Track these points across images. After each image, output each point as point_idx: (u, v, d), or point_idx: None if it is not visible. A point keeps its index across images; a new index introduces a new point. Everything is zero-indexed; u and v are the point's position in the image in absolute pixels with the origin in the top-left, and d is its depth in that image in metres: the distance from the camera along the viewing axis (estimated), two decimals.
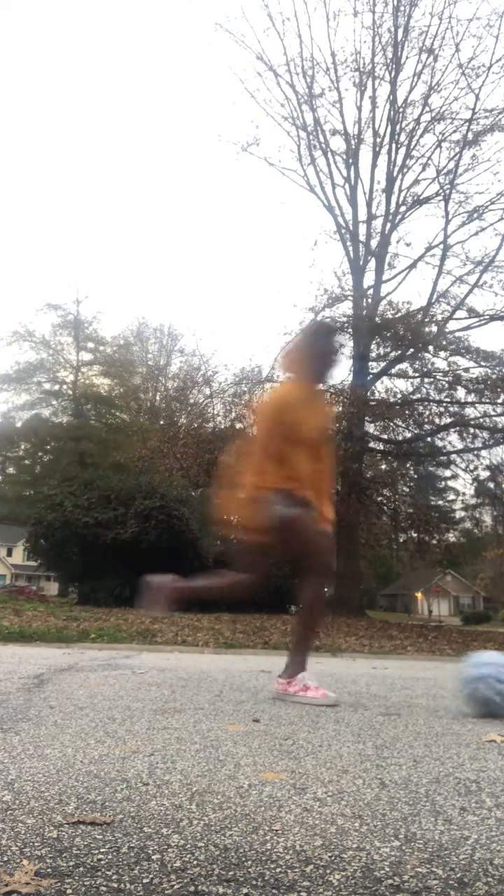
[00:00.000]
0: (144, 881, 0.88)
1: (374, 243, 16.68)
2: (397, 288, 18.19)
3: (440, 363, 15.53)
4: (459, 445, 16.05)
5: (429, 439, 16.24)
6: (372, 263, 16.79)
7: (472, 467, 16.54)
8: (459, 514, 26.29)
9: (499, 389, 13.92)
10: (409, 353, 15.31)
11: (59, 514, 15.33)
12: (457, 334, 15.34)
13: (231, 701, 2.48)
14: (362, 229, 16.88)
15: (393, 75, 16.03)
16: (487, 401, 14.59)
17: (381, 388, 16.57)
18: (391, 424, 15.97)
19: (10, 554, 49.88)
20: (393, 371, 16.07)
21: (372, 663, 5.37)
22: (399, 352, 15.44)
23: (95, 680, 3.00)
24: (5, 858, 0.94)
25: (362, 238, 16.81)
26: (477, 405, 15.05)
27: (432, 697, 2.95)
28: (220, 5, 40.81)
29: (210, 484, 15.17)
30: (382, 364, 16.06)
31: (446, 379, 15.36)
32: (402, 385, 16.38)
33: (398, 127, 16.20)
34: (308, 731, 1.98)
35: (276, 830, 1.09)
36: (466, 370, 14.99)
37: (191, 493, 16.82)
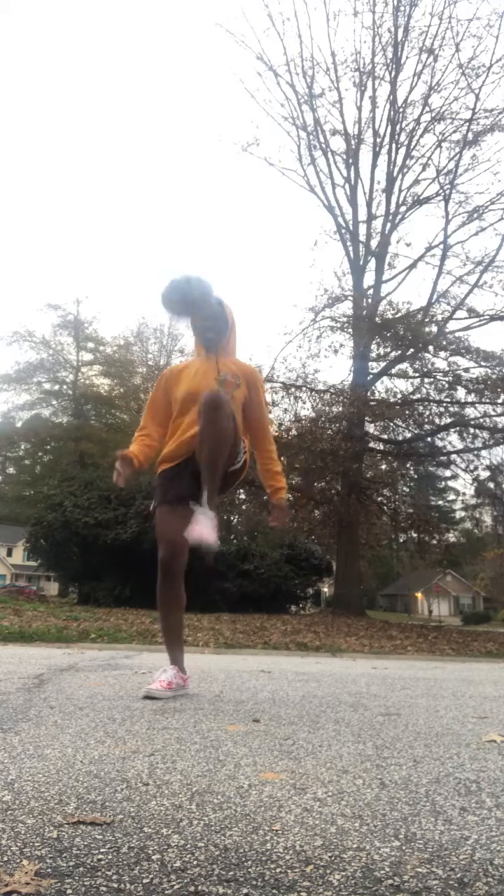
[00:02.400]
0: (144, 881, 0.88)
1: (374, 243, 16.68)
2: (397, 288, 18.22)
3: (440, 363, 15.53)
4: (459, 445, 16.05)
5: (429, 439, 16.22)
6: (372, 263, 16.80)
7: (472, 467, 16.54)
8: (459, 514, 26.31)
9: (499, 389, 13.91)
10: (409, 353, 15.30)
11: (59, 514, 15.34)
12: (457, 334, 15.33)
13: (231, 701, 2.48)
14: (362, 229, 16.89)
15: (393, 75, 16.04)
16: (487, 401, 14.58)
17: (381, 388, 16.58)
18: (391, 424, 15.96)
19: (10, 554, 49.90)
20: (393, 371, 16.07)
21: (372, 663, 5.37)
22: (399, 352, 15.43)
23: (95, 680, 3.00)
24: (5, 858, 0.94)
25: (362, 238, 16.81)
26: (477, 405, 15.03)
27: (432, 697, 2.95)
28: (221, 5, 40.89)
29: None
30: (382, 364, 16.06)
31: (446, 379, 15.36)
32: (402, 385, 16.39)
33: (398, 127, 16.21)
34: (308, 731, 1.98)
35: (276, 830, 1.09)
36: (466, 370, 14.99)
37: None
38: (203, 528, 2.39)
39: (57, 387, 36.40)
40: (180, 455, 2.64)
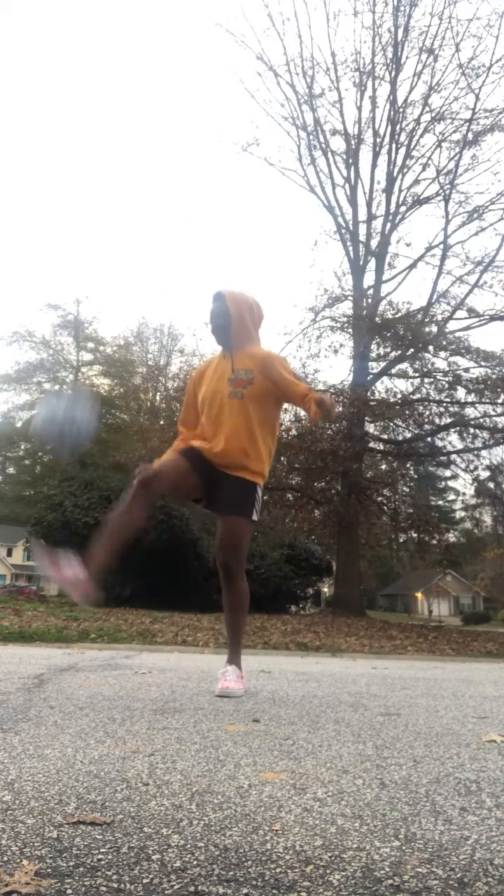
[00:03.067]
0: (144, 881, 0.88)
1: (374, 243, 16.67)
2: (397, 288, 18.22)
3: (440, 363, 15.54)
4: (459, 445, 16.06)
5: (429, 439, 16.23)
6: (372, 263, 16.80)
7: (472, 467, 16.55)
8: (459, 514, 26.31)
9: (499, 389, 13.92)
10: (409, 353, 15.31)
11: (59, 514, 15.34)
12: (457, 334, 15.33)
13: (231, 701, 2.48)
14: (362, 229, 16.89)
15: (393, 75, 16.04)
16: (487, 401, 14.59)
17: (381, 388, 16.57)
18: (391, 424, 15.95)
19: (10, 554, 49.89)
20: (393, 371, 16.07)
21: (372, 663, 5.37)
22: (399, 352, 15.43)
23: (95, 680, 3.00)
24: (5, 858, 0.94)
25: (362, 238, 16.81)
26: (477, 405, 15.04)
27: (432, 697, 2.95)
28: (221, 5, 40.91)
29: None
30: (382, 364, 16.06)
31: (446, 379, 15.36)
32: (402, 385, 16.39)
33: (398, 127, 16.21)
34: (308, 731, 1.98)
35: (276, 830, 1.09)
36: (466, 370, 15.00)
37: None
38: (229, 682, 2.61)
39: (57, 387, 36.37)
40: (207, 453, 2.67)
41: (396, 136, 16.26)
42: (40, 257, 77.15)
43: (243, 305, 2.76)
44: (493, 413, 14.88)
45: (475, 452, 16.04)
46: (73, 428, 2.46)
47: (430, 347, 14.85)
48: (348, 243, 16.87)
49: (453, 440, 16.08)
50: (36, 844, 0.99)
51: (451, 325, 15.55)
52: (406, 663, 5.71)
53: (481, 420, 15.15)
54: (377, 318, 14.86)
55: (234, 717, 2.15)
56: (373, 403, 15.12)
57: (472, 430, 15.48)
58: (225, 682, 2.61)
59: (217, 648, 6.16)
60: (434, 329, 15.18)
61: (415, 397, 15.58)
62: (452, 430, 15.56)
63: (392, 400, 15.68)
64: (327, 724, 2.11)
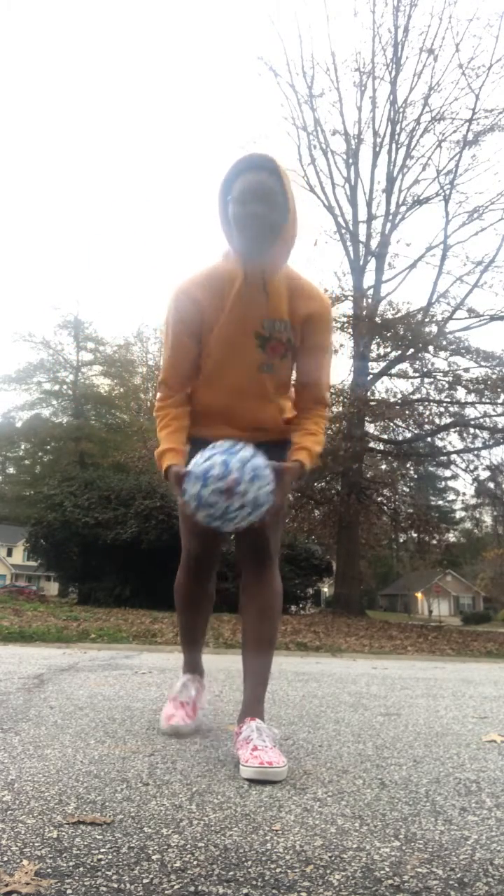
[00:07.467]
0: (144, 881, 0.88)
1: (374, 243, 16.68)
2: (397, 288, 18.21)
3: (440, 363, 15.54)
4: (459, 445, 16.06)
5: (429, 439, 16.23)
6: (372, 263, 16.80)
7: (472, 467, 16.54)
8: (459, 514, 26.32)
9: (499, 389, 13.93)
10: (409, 353, 15.31)
11: (59, 514, 15.34)
12: (457, 334, 15.34)
13: (231, 701, 2.48)
14: (362, 229, 16.89)
15: (393, 75, 16.05)
16: (487, 401, 14.60)
17: (381, 388, 16.56)
18: (391, 424, 15.95)
19: (10, 554, 49.90)
20: (393, 371, 16.07)
21: (372, 663, 5.37)
22: (399, 352, 15.43)
23: (95, 680, 3.00)
24: (5, 858, 0.94)
25: (362, 238, 16.81)
26: (477, 405, 15.05)
27: (432, 697, 2.95)
28: (220, 6, 40.95)
29: None
30: (382, 364, 16.06)
31: (446, 379, 15.36)
32: (402, 385, 16.38)
33: (398, 127, 16.22)
34: (308, 731, 1.98)
35: (276, 830, 1.09)
36: (466, 370, 15.00)
37: None
38: (267, 753, 1.45)
39: (57, 387, 36.47)
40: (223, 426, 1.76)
41: (396, 136, 16.27)
42: (41, 259, 77.23)
43: (298, 197, 1.71)
44: (493, 413, 14.90)
45: (475, 452, 16.05)
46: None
47: (430, 347, 14.85)
48: (348, 243, 16.88)
49: (453, 440, 16.09)
50: (36, 844, 0.99)
51: (451, 325, 15.57)
52: (406, 663, 5.71)
53: (481, 420, 15.16)
54: (377, 318, 14.86)
55: (233, 717, 2.14)
56: (373, 403, 15.12)
57: (472, 430, 15.49)
58: (261, 754, 1.44)
59: (217, 648, 6.16)
60: (434, 329, 15.18)
61: (415, 397, 15.58)
62: (452, 430, 15.57)
63: (392, 400, 15.68)
64: (327, 724, 2.11)
